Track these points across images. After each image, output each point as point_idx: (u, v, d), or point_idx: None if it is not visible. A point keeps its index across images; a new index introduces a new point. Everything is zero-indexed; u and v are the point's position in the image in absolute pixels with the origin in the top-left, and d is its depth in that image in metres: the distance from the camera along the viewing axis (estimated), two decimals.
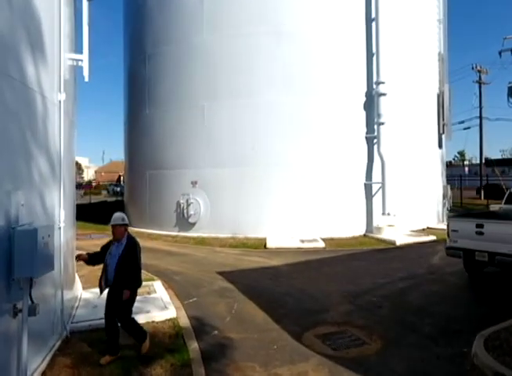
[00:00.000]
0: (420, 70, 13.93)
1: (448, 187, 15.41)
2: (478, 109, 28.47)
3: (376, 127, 12.35)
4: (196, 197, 12.56)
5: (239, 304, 6.08)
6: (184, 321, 5.22)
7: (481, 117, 28.48)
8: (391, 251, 10.26)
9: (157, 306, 5.45)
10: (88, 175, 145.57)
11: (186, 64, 12.98)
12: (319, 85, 12.20)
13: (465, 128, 30.15)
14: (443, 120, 14.96)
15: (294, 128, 12.12)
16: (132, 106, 15.27)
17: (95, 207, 29.10)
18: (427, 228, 13.62)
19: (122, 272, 4.21)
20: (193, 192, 12.62)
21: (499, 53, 25.50)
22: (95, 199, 37.42)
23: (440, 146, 15.18)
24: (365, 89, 12.53)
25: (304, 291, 6.81)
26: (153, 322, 5.14)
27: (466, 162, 51.63)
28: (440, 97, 14.98)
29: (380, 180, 12.28)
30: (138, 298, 6.00)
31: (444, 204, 15.28)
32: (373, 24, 12.54)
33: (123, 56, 16.08)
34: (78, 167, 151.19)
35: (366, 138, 12.48)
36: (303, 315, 5.68)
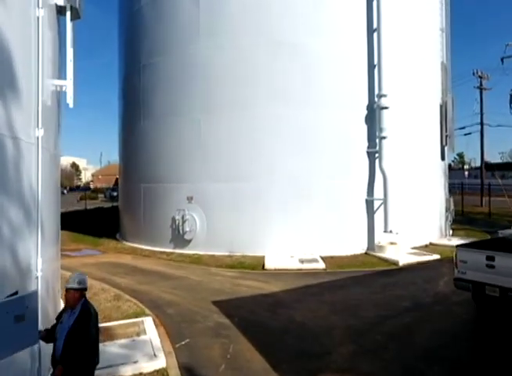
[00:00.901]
0: (422, 80, 13.55)
1: (451, 200, 15.03)
2: (479, 115, 28.15)
3: (378, 141, 11.97)
4: (192, 212, 12.14)
5: (235, 345, 5.67)
6: (174, 373, 4.80)
7: (482, 124, 28.14)
8: (394, 273, 9.86)
9: (146, 354, 5.03)
10: (86, 176, 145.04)
11: (182, 75, 12.57)
12: (319, 98, 11.81)
13: (466, 134, 29.77)
14: (446, 131, 14.58)
15: (294, 142, 11.72)
16: (127, 117, 14.85)
17: (90, 214, 28.68)
18: (430, 244, 13.23)
19: (70, 349, 3.30)
20: (189, 207, 12.21)
21: (502, 60, 25.21)
22: (91, 204, 37.03)
23: (443, 158, 14.80)
24: (366, 102, 12.14)
25: (304, 326, 6.42)
26: (140, 374, 4.72)
27: (465, 166, 51.23)
28: (443, 108, 14.60)
29: (382, 196, 11.88)
30: (126, 341, 5.63)
31: (446, 217, 14.90)
32: (375, 35, 12.15)
33: (118, 64, 15.65)
34: (76, 168, 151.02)
35: (368, 152, 12.09)
36: (304, 359, 5.28)
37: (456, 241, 13.30)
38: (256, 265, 10.54)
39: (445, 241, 13.46)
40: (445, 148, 14.77)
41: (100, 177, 77.40)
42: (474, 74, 28.07)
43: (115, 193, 43.05)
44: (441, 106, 14.59)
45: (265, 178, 11.66)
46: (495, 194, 37.94)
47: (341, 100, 11.92)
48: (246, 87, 11.84)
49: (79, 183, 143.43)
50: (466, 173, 48.02)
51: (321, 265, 10.33)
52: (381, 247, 11.45)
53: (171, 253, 12.28)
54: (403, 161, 12.58)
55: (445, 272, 9.62)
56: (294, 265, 10.38)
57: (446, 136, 14.56)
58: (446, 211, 14.88)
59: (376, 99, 12.02)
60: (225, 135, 11.97)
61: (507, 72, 28.03)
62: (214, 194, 11.99)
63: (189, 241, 12.21)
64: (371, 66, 12.17)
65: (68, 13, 5.29)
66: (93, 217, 25.89)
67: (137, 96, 13.87)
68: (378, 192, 12.03)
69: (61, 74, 5.54)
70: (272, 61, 11.74)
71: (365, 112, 12.11)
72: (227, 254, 11.59)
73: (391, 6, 12.21)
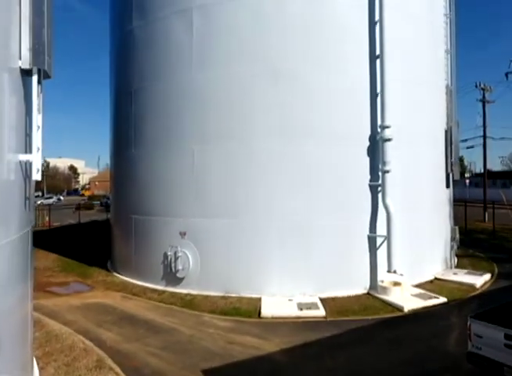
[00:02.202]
0: (427, 106, 12.94)
1: (457, 229, 14.40)
2: (482, 128, 27.53)
3: (380, 174, 11.34)
4: (185, 249, 11.50)
5: None
6: None
7: (484, 137, 27.56)
8: (399, 323, 9.22)
9: None
10: (84, 179, 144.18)
11: (174, 103, 11.94)
12: (319, 131, 11.18)
13: (468, 147, 29.22)
14: (451, 158, 13.97)
15: (293, 177, 11.09)
16: (118, 143, 14.21)
17: (84, 229, 27.95)
18: (435, 279, 12.61)
19: None
20: (182, 244, 11.57)
21: (506, 75, 24.66)
22: (86, 216, 36.28)
23: (448, 185, 14.18)
24: (368, 133, 11.51)
25: None
26: None
27: (466, 174, 50.64)
28: (448, 133, 13.99)
29: (385, 233, 11.26)
30: None
31: (452, 247, 14.27)
32: (378, 62, 11.53)
33: (109, 87, 14.99)
34: (74, 171, 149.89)
35: (370, 186, 11.46)
36: None
37: (463, 276, 12.72)
38: (252, 311, 9.90)
39: (450, 275, 12.84)
40: (450, 175, 14.15)
41: (97, 183, 76.68)
42: (476, 86, 27.48)
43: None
44: (446, 132, 13.98)
45: (263, 216, 11.03)
46: (496, 204, 37.27)
47: (342, 132, 11.29)
48: (243, 119, 11.21)
49: (77, 186, 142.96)
50: (468, 181, 47.43)
51: (321, 311, 9.70)
52: (384, 289, 10.82)
53: (163, 292, 11.63)
54: (407, 194, 11.98)
55: (453, 323, 9.02)
56: (293, 311, 9.75)
57: (451, 163, 13.95)
58: (452, 240, 14.26)
59: (379, 130, 11.39)
60: (221, 168, 11.34)
61: None
62: (208, 230, 11.36)
63: (182, 279, 11.58)
64: (373, 95, 11.54)
65: (35, 76, 4.65)
66: (86, 234, 25.14)
67: (128, 122, 13.23)
68: (381, 227, 11.40)
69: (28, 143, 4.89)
70: (270, 91, 11.11)
71: (368, 143, 11.47)
72: (222, 294, 10.96)
73: (394, 30, 11.58)
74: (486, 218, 28.29)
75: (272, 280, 10.96)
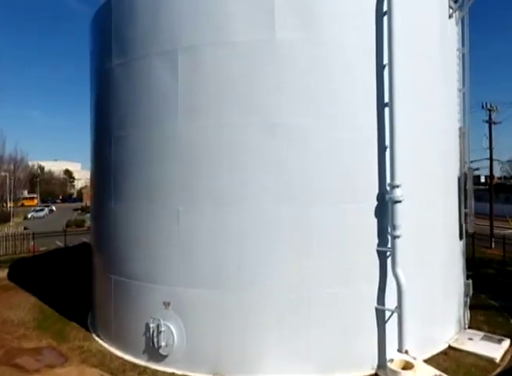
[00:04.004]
0: (439, 154, 11.66)
1: (471, 284, 13.13)
2: (488, 150, 26.34)
3: (390, 239, 10.05)
4: (169, 322, 10.19)
5: None
6: None
7: (491, 159, 26.36)
8: None
9: None
10: (80, 184, 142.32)
11: (157, 155, 10.62)
12: (320, 191, 9.89)
13: (474, 169, 27.93)
14: (465, 208, 12.72)
15: (290, 244, 9.80)
16: (97, 194, 12.89)
17: (71, 255, 26.46)
18: (449, 348, 11.33)
19: None
20: (165, 315, 10.25)
21: None
22: (75, 235, 34.69)
23: (461, 237, 12.92)
24: (376, 191, 10.22)
25: None
26: None
27: None
28: (461, 180, 12.74)
29: (395, 305, 9.98)
30: None
31: (465, 304, 13.02)
32: (386, 110, 10.25)
33: (89, 126, 13.63)
34: (69, 175, 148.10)
35: (378, 251, 10.17)
36: None
37: (479, 343, 11.48)
38: None
39: (466, 342, 11.56)
40: (464, 226, 12.89)
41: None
42: (483, 107, 26.23)
43: None
44: (459, 179, 12.72)
45: (257, 288, 9.73)
46: (498, 220, 36.13)
47: (347, 191, 10.01)
48: (234, 175, 9.91)
49: (72, 191, 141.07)
50: None
51: None
52: (394, 373, 9.52)
53: (144, 370, 10.28)
54: (419, 258, 10.74)
55: None
56: None
57: (465, 214, 12.69)
58: (465, 296, 13.00)
59: (388, 189, 10.10)
60: (209, 231, 10.03)
61: None
62: (195, 302, 10.05)
63: (166, 356, 10.26)
64: (382, 149, 10.26)
65: None
66: (72, 262, 23.69)
67: (108, 171, 11.89)
68: (390, 297, 10.11)
69: None
70: (264, 145, 9.81)
71: (375, 203, 10.18)
72: (211, 375, 9.67)
73: (404, 74, 10.30)
74: (493, 244, 27.08)
75: (267, 361, 9.67)
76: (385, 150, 10.24)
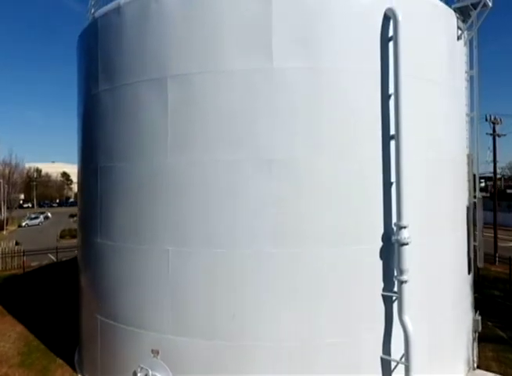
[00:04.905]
0: (447, 186, 10.92)
1: (479, 321, 12.39)
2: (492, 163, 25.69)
3: (396, 283, 9.31)
4: (158, 373, 9.43)
5: None
6: None
7: (495, 173, 25.68)
8: None
9: None
10: (76, 187, 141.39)
11: (146, 190, 9.87)
12: (320, 229, 9.15)
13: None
14: (474, 241, 11.99)
15: (288, 287, 9.06)
16: (84, 227, 12.14)
17: (62, 271, 25.61)
18: None
19: None
20: (154, 365, 9.50)
21: None
22: (69, 247, 33.81)
23: (469, 270, 12.18)
24: (381, 231, 9.48)
25: None
26: None
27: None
28: (470, 211, 12.01)
29: (402, 354, 9.24)
30: None
31: (474, 340, 12.29)
32: (392, 143, 9.51)
33: (77, 154, 12.83)
34: (67, 178, 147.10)
35: (383, 296, 9.43)
36: None
37: None
38: None
39: None
40: (472, 260, 12.16)
41: None
42: (486, 119, 25.52)
43: None
44: (467, 209, 11.99)
45: (252, 338, 8.98)
46: (502, 229, 35.33)
47: (350, 231, 9.27)
48: (227, 215, 9.16)
49: (70, 193, 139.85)
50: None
51: None
52: None
53: None
54: (427, 301, 10.03)
55: None
56: None
57: (474, 247, 11.97)
58: (474, 332, 12.28)
59: (394, 228, 9.36)
60: (201, 275, 9.28)
61: None
62: (186, 352, 9.30)
63: None
64: (387, 184, 9.52)
65: None
66: (64, 280, 22.86)
67: (95, 203, 11.13)
68: (396, 345, 9.37)
69: None
70: (259, 183, 9.07)
71: (380, 244, 9.45)
72: None
73: (411, 103, 9.58)
74: (497, 260, 26.37)
75: None
76: (391, 186, 9.51)
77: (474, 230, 11.99)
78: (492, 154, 25.76)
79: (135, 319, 9.94)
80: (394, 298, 9.42)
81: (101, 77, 10.89)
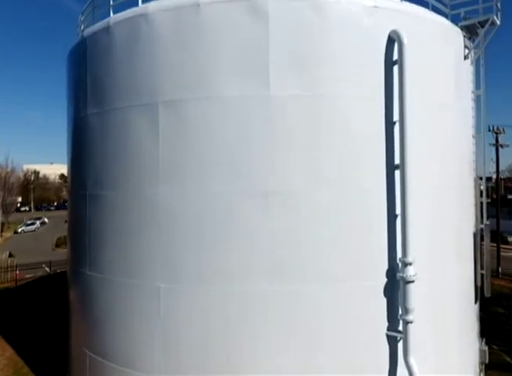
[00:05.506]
0: (454, 212, 10.40)
1: (486, 351, 11.88)
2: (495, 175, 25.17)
3: (401, 323, 8.78)
4: None
5: None
6: None
7: (498, 186, 25.16)
8: None
9: None
10: None
11: (136, 221, 9.32)
12: (319, 265, 8.63)
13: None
14: (482, 268, 11.47)
15: (286, 327, 8.54)
16: (72, 256, 11.58)
17: (56, 284, 24.99)
18: None
19: None
20: None
21: None
22: (63, 259, 33.19)
23: (476, 300, 11.67)
24: (385, 266, 8.95)
25: None
26: None
27: None
28: (477, 237, 11.49)
29: None
30: None
31: (481, 371, 11.79)
32: (397, 174, 8.99)
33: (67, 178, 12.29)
34: (65, 180, 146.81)
35: (388, 336, 8.90)
36: None
37: None
38: None
39: None
40: (479, 288, 11.64)
41: None
42: (489, 129, 25.03)
43: None
44: (474, 235, 11.47)
45: None
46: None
47: (352, 266, 8.74)
48: (222, 251, 8.63)
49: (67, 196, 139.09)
50: None
51: None
52: None
53: None
54: (433, 340, 9.49)
55: None
56: None
57: (482, 276, 11.45)
58: (481, 363, 11.77)
59: (399, 265, 8.83)
60: (194, 314, 8.74)
61: None
62: None
63: None
64: (392, 216, 8.99)
65: None
66: (56, 295, 22.27)
67: (84, 231, 10.59)
68: None
69: None
70: (255, 216, 8.54)
71: (385, 280, 8.92)
72: None
73: (417, 129, 9.06)
74: (500, 272, 25.86)
75: None
76: (395, 219, 8.99)
77: (481, 257, 11.47)
78: (494, 165, 25.25)
79: (126, 358, 9.39)
80: (398, 338, 8.90)
81: (90, 100, 10.35)
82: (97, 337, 10.02)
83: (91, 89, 10.35)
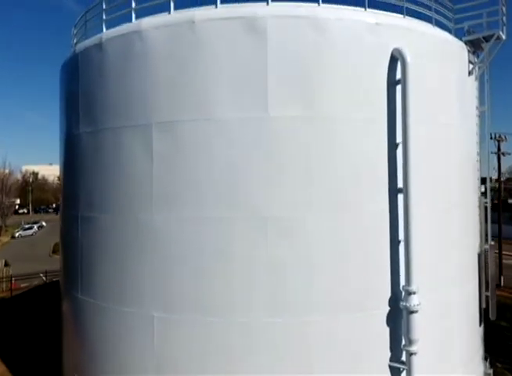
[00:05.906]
0: (457, 234, 10.05)
1: (491, 374, 11.55)
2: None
3: (405, 355, 8.44)
4: None
5: None
6: None
7: (500, 195, 24.84)
8: None
9: None
10: None
11: (129, 247, 8.98)
12: (321, 296, 8.29)
13: None
14: (486, 290, 11.13)
15: (287, 361, 8.19)
16: (64, 281, 11.22)
17: (52, 294, 24.54)
18: None
19: None
20: None
21: None
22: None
23: (481, 322, 11.32)
24: (388, 295, 8.61)
25: None
26: None
27: None
28: (481, 259, 11.15)
29: None
30: None
31: None
32: (400, 197, 8.66)
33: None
34: None
35: (391, 367, 8.56)
36: None
37: None
38: None
39: None
40: (483, 311, 11.30)
41: None
42: (491, 137, 24.69)
43: None
44: (479, 256, 11.13)
45: None
46: (504, 242, 34.50)
47: (349, 298, 8.39)
48: (219, 280, 8.28)
49: None
50: None
51: None
52: None
53: None
54: (438, 362, 9.14)
55: None
56: None
57: (487, 297, 11.11)
58: None
59: (402, 292, 8.49)
60: (190, 347, 8.38)
61: None
62: None
63: None
64: (395, 242, 8.66)
65: None
66: (52, 306, 21.86)
67: (76, 255, 10.24)
68: None
69: None
70: (253, 243, 8.20)
71: (387, 309, 8.58)
72: None
73: (420, 151, 8.76)
74: (502, 282, 25.52)
75: None
76: (398, 244, 8.65)
77: (486, 279, 11.13)
78: (496, 173, 24.98)
79: None
80: (401, 369, 8.56)
81: (82, 118, 10.01)
82: (89, 365, 9.67)
83: (83, 107, 10.00)
